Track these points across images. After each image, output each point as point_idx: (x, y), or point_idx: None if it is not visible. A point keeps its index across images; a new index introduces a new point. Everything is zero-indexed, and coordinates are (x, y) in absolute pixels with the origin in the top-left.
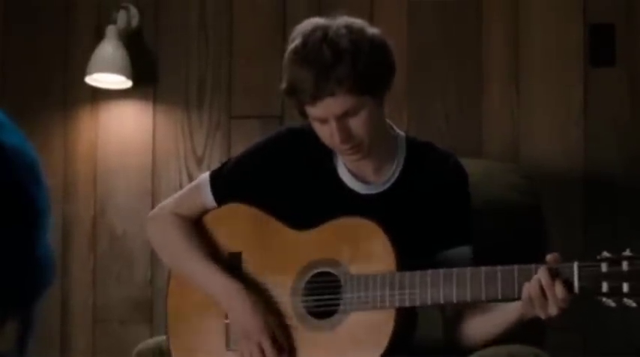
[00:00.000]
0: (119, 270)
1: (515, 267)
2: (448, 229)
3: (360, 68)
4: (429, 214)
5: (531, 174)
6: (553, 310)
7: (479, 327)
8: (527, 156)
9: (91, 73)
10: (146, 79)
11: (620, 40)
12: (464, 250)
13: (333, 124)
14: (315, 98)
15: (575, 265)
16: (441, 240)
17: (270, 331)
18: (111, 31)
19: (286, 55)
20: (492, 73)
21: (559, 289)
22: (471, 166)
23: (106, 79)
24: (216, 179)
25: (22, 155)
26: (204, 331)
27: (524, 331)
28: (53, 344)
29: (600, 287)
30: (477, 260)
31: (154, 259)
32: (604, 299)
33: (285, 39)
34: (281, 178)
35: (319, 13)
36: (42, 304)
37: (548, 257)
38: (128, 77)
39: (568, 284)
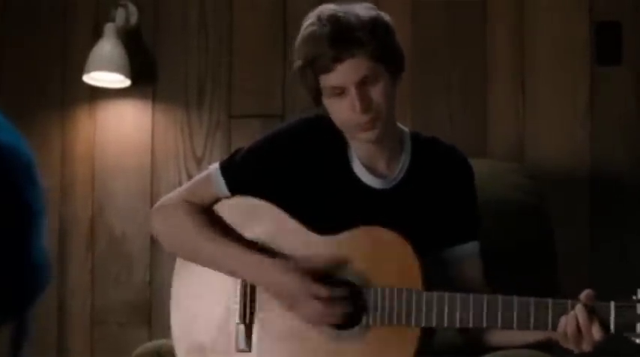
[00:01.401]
0: (117, 272)
1: (550, 300)
2: (457, 225)
3: (379, 37)
4: (437, 208)
5: (536, 174)
6: (587, 348)
7: (500, 335)
8: (532, 156)
9: (89, 71)
10: (145, 78)
11: (627, 39)
12: (473, 246)
13: (352, 92)
14: (335, 61)
15: (612, 305)
16: (449, 235)
17: (314, 282)
18: (109, 29)
19: (301, 35)
20: (497, 72)
21: (596, 330)
22: (476, 166)
23: (104, 77)
24: (228, 168)
25: (18, 155)
26: (212, 331)
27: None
28: (50, 347)
29: (634, 328)
30: (482, 258)
31: (153, 260)
32: (637, 340)
33: (285, 37)
34: (294, 170)
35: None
36: (37, 307)
37: (583, 295)
38: (127, 76)
39: (604, 324)
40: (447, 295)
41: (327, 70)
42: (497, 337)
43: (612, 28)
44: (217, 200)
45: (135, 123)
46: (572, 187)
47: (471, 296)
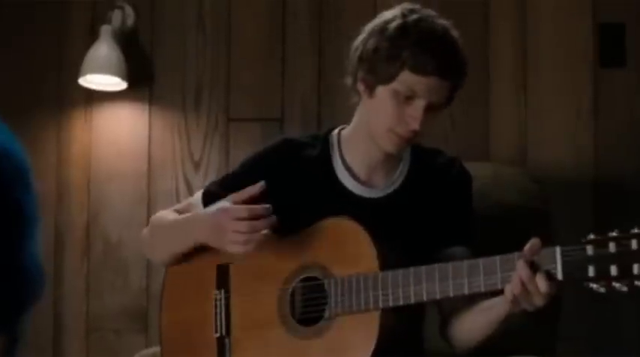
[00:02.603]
0: (113, 278)
1: (497, 257)
2: (447, 229)
3: (464, 78)
4: (431, 218)
5: (540, 178)
6: (539, 301)
7: (469, 327)
8: (535, 159)
9: (84, 74)
10: (142, 81)
11: (631, 40)
12: (461, 250)
13: (421, 106)
14: (436, 72)
15: (558, 249)
16: (440, 239)
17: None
18: (105, 30)
19: (401, 22)
20: (499, 74)
21: (541, 282)
22: (478, 170)
23: (100, 80)
24: (208, 194)
25: (9, 156)
26: (198, 346)
27: (535, 342)
28: (46, 355)
29: (586, 272)
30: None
31: (149, 266)
32: (592, 285)
33: (284, 39)
34: (276, 187)
35: (320, 14)
36: (30, 317)
37: (526, 248)
38: (123, 79)
39: (550, 272)
40: (400, 271)
41: (422, 73)
42: (466, 324)
43: (616, 30)
44: None
45: (131, 126)
46: (576, 191)
47: (424, 268)
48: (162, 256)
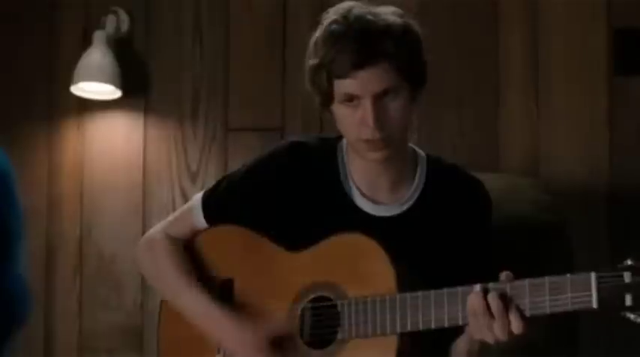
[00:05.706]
0: (107, 295)
1: (526, 280)
2: (465, 261)
3: (408, 48)
4: (447, 243)
5: (553, 189)
6: (503, 336)
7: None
8: (548, 171)
9: (77, 82)
10: (136, 89)
11: None
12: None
13: (368, 105)
14: (356, 67)
15: (593, 276)
16: (456, 271)
17: (264, 342)
18: (99, 36)
19: (322, 31)
20: (510, 82)
21: (514, 316)
22: (489, 181)
23: (93, 88)
24: (208, 200)
25: None
26: None
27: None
28: None
29: (623, 301)
30: None
31: (144, 283)
32: (629, 315)
33: (284, 46)
34: (282, 197)
35: (320, 19)
36: (19, 339)
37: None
38: (117, 87)
39: (522, 310)
40: (420, 294)
41: (345, 75)
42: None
43: (632, 35)
44: (199, 231)
45: (126, 136)
46: (591, 203)
47: (445, 290)
48: (163, 296)
